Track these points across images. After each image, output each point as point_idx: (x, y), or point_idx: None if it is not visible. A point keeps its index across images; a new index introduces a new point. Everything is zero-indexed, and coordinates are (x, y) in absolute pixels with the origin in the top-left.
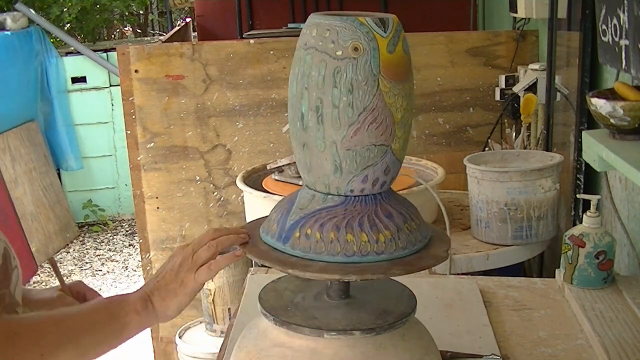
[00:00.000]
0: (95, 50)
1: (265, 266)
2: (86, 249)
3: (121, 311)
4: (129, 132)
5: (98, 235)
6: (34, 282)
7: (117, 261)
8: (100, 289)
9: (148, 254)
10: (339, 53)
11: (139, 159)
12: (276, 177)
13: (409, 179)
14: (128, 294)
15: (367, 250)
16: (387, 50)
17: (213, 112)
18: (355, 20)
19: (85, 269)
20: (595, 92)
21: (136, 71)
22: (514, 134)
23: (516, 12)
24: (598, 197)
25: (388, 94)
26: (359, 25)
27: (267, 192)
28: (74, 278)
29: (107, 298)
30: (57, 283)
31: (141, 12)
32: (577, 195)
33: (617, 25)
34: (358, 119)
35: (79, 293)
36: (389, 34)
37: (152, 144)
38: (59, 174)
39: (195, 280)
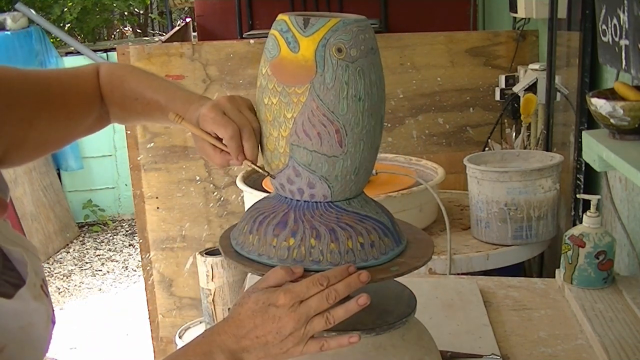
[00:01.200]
0: (95, 50)
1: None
2: (86, 249)
3: None
4: (129, 132)
5: (98, 235)
6: None
7: (117, 261)
8: (100, 289)
9: (148, 254)
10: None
11: (139, 159)
12: None
13: (409, 179)
14: (211, 350)
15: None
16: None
17: None
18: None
19: (85, 269)
20: (595, 92)
21: None
22: (514, 134)
23: (516, 12)
24: (598, 197)
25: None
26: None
27: (267, 192)
28: (74, 278)
29: (185, 353)
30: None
31: (141, 12)
32: (577, 195)
33: (617, 25)
34: None
35: None
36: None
37: (152, 144)
38: (59, 174)
39: (302, 353)
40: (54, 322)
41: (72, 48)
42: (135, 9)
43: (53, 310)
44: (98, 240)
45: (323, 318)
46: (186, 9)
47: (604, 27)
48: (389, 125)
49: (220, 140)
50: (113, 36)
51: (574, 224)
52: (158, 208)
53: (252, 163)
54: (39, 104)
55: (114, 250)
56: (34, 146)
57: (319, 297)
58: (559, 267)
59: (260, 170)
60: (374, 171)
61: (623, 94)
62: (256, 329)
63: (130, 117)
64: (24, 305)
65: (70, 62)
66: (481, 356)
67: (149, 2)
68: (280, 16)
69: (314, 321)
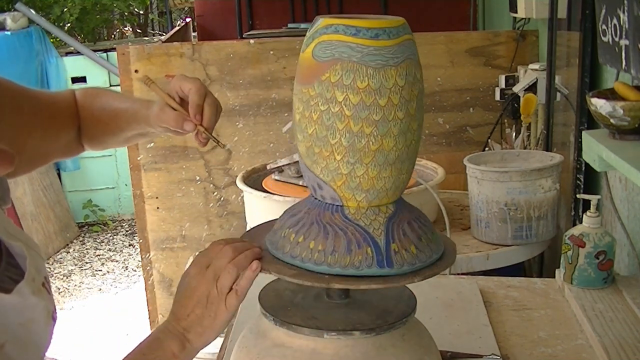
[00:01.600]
0: (95, 50)
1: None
2: (86, 249)
3: None
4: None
5: (98, 235)
6: None
7: (117, 261)
8: (100, 289)
9: (148, 254)
10: None
11: (139, 159)
12: (276, 177)
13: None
14: (158, 337)
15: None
16: (301, 49)
17: None
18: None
19: (85, 269)
20: (595, 92)
21: (136, 71)
22: (514, 134)
23: (516, 12)
24: (598, 197)
25: (294, 91)
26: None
27: (267, 192)
28: (74, 278)
29: (140, 349)
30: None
31: (141, 12)
32: (577, 195)
33: (617, 25)
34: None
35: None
36: (308, 34)
37: (152, 144)
38: (59, 174)
39: (227, 310)
40: (55, 320)
41: (72, 48)
42: (135, 9)
43: (55, 308)
44: (98, 240)
45: (226, 271)
46: (186, 9)
47: (604, 27)
48: None
49: (182, 106)
50: (113, 36)
51: (574, 224)
52: (158, 208)
53: (207, 130)
54: (35, 116)
55: (114, 250)
56: (29, 157)
57: (219, 254)
58: (559, 267)
59: (212, 139)
60: None
61: (623, 94)
62: (187, 307)
63: (101, 132)
64: (22, 300)
65: (70, 62)
66: (481, 356)
67: (148, 2)
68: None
69: (221, 277)
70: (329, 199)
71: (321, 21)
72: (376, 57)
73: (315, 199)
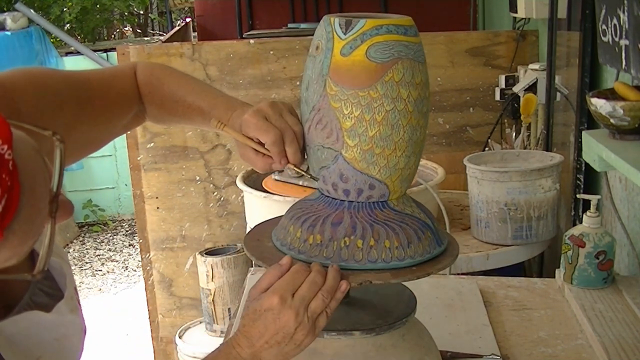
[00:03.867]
0: (95, 50)
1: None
2: (86, 249)
3: None
4: (128, 132)
5: (98, 235)
6: None
7: (117, 261)
8: (100, 289)
9: (148, 254)
10: (310, 51)
11: (139, 159)
12: (276, 177)
13: None
14: (230, 352)
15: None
16: (340, 52)
17: None
18: (327, 19)
19: (85, 269)
20: (595, 92)
21: None
22: (514, 134)
23: (516, 12)
24: (598, 197)
25: (334, 97)
26: (327, 25)
27: (267, 192)
28: (74, 278)
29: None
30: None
31: (141, 12)
32: (577, 195)
33: (617, 25)
34: (309, 116)
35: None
36: (348, 37)
37: (152, 144)
38: None
39: (315, 336)
40: (85, 332)
41: (72, 48)
42: (135, 9)
43: (84, 320)
44: (98, 240)
45: (319, 299)
46: (186, 9)
47: (604, 27)
48: None
49: (262, 145)
50: (113, 36)
51: (574, 224)
52: (158, 208)
53: (296, 166)
54: (81, 106)
55: (114, 250)
56: (74, 148)
57: (307, 283)
58: (559, 267)
59: (304, 174)
60: None
61: (623, 94)
62: (263, 336)
63: (168, 119)
64: (60, 318)
65: (70, 62)
66: (481, 356)
67: (148, 2)
68: (330, 18)
69: (312, 306)
70: (376, 197)
71: (365, 22)
72: (420, 53)
73: (358, 202)
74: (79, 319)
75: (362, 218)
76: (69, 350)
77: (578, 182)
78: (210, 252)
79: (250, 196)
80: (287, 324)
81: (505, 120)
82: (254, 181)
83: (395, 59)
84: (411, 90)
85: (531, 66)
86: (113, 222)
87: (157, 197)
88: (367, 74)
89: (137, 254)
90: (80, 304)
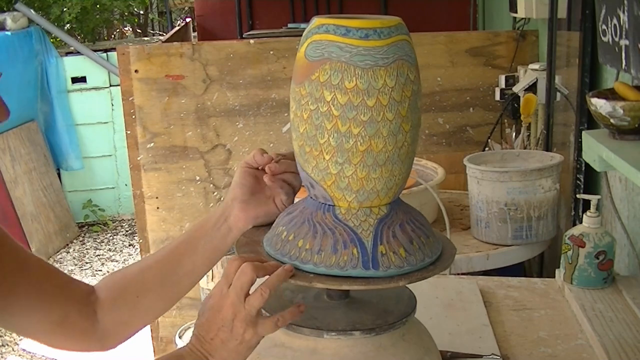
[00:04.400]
0: (95, 50)
1: None
2: (86, 249)
3: None
4: (129, 132)
5: (98, 235)
6: None
7: (117, 261)
8: None
9: (148, 254)
10: None
11: (139, 159)
12: None
13: (409, 179)
14: (181, 353)
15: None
16: (298, 49)
17: (213, 112)
18: (313, 20)
19: (85, 269)
20: (595, 92)
21: (136, 71)
22: (514, 134)
23: (516, 12)
24: (598, 197)
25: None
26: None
27: None
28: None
29: None
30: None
31: (141, 12)
32: (577, 195)
33: (617, 25)
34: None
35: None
36: (305, 34)
37: (152, 144)
38: (59, 174)
39: (258, 335)
40: None
41: (72, 48)
42: (135, 9)
43: None
44: (98, 240)
45: (258, 291)
46: (186, 9)
47: (604, 27)
48: None
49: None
50: (113, 36)
51: (574, 224)
52: (158, 208)
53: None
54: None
55: (114, 250)
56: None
57: (239, 273)
58: (559, 267)
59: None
60: None
61: (623, 94)
62: (210, 331)
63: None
64: None
65: (70, 62)
66: (481, 356)
67: (148, 2)
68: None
69: (250, 298)
70: (321, 198)
71: (315, 21)
72: (365, 57)
73: (311, 198)
74: None
75: (311, 218)
76: None
77: (578, 182)
78: None
79: None
80: (225, 314)
81: (505, 120)
82: None
83: (324, 59)
84: (337, 93)
85: (531, 66)
86: (113, 222)
87: (157, 197)
88: (301, 71)
89: (137, 254)
90: None
